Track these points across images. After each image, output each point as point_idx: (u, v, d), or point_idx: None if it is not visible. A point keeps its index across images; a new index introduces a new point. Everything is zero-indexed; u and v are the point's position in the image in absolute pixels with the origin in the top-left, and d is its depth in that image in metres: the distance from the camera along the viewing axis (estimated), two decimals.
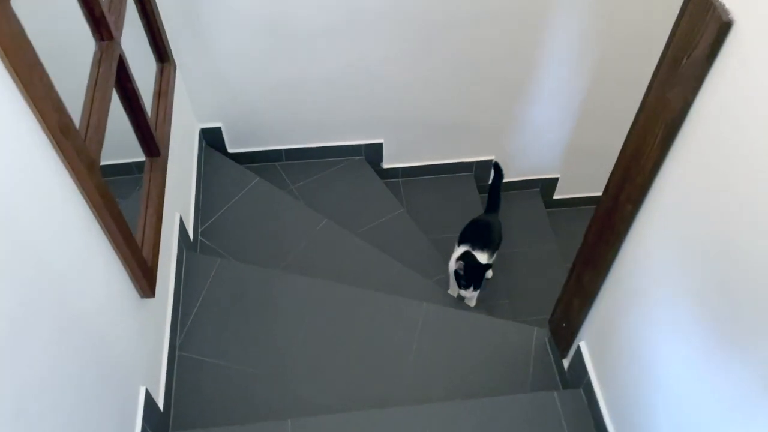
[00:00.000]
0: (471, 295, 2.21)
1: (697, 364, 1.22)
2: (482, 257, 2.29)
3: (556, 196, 3.18)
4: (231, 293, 2.07)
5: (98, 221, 1.40)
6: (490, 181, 2.71)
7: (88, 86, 1.44)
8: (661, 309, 1.33)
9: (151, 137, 1.81)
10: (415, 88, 2.54)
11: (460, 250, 2.31)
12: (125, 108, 1.71)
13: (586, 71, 2.55)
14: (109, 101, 1.47)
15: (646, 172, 1.25)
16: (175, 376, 1.89)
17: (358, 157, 2.81)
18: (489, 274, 2.35)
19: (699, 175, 1.13)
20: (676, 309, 1.27)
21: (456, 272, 2.22)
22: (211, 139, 2.62)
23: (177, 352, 1.93)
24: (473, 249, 2.29)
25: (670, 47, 1.14)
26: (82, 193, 1.32)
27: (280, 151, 2.74)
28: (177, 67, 2.22)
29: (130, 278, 1.57)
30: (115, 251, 1.48)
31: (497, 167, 2.75)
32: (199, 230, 2.36)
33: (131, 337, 1.57)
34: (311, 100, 2.53)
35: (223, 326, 2.00)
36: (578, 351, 1.74)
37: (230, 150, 2.69)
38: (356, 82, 2.47)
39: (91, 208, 1.36)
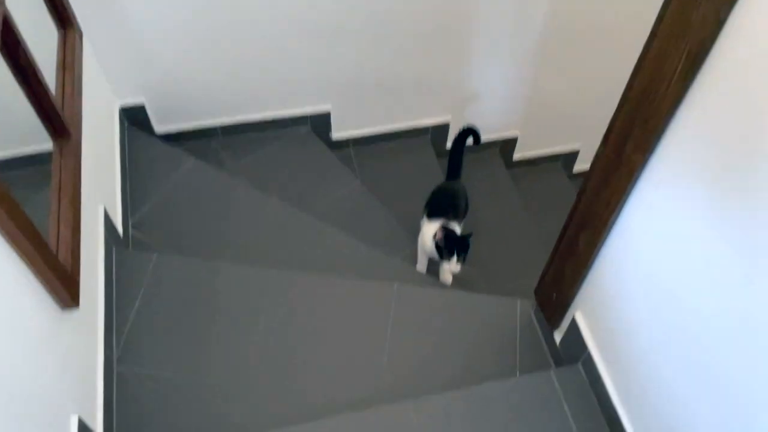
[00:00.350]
0: (456, 268, 1.99)
1: (718, 324, 1.05)
2: (458, 230, 2.09)
3: (516, 156, 3.01)
4: (173, 293, 1.80)
5: None
6: (453, 145, 2.48)
7: None
8: (674, 269, 1.15)
9: (57, 116, 1.51)
10: (360, 48, 2.29)
11: (433, 225, 2.09)
12: (20, 83, 1.40)
13: (538, 18, 2.36)
14: None
15: (662, 113, 1.05)
16: (115, 395, 1.61)
17: (304, 129, 2.54)
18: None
19: (732, 111, 0.94)
20: (693, 267, 1.09)
21: (436, 244, 2.00)
22: (135, 118, 2.29)
23: (115, 368, 1.65)
24: (449, 222, 2.08)
25: None
26: None
27: (215, 127, 2.44)
28: (84, 35, 1.90)
29: (45, 288, 1.28)
30: (21, 258, 1.19)
31: (473, 132, 2.48)
32: (130, 223, 2.06)
33: (53, 359, 1.28)
34: (246, 67, 2.24)
35: (167, 332, 1.73)
36: (573, 324, 1.56)
37: (158, 129, 2.38)
38: (296, 44, 2.20)
39: None
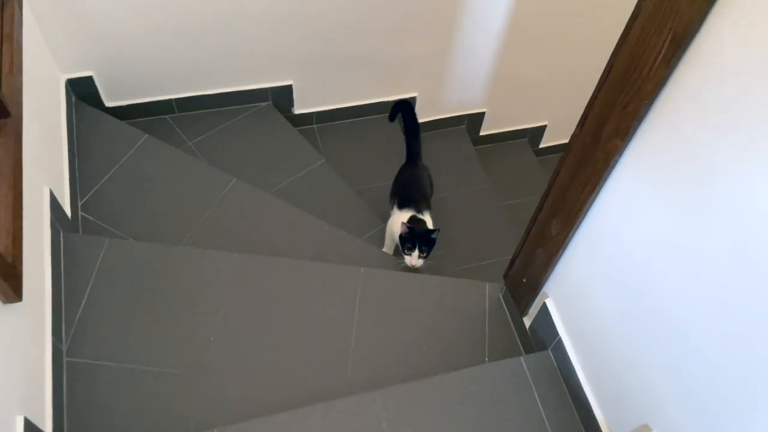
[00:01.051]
0: (416, 262, 1.94)
1: (695, 321, 1.02)
2: (428, 219, 2.03)
3: (482, 132, 2.96)
4: (126, 279, 1.70)
5: None
6: (403, 126, 2.38)
7: None
8: (651, 258, 1.11)
9: None
10: (324, 21, 2.19)
11: (404, 215, 2.02)
12: None
13: None
14: None
15: (643, 95, 1.00)
16: (65, 390, 1.52)
17: (264, 103, 2.43)
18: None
19: (724, 95, 0.90)
20: (670, 256, 1.06)
21: (401, 237, 1.94)
22: (82, 92, 2.15)
23: (65, 359, 1.56)
24: (420, 213, 2.03)
25: None
26: None
27: (170, 101, 2.32)
28: (24, 4, 1.75)
29: None
30: None
31: (406, 106, 2.36)
32: (79, 204, 1.94)
33: None
34: (203, 37, 2.12)
35: (120, 320, 1.64)
36: (544, 309, 1.53)
37: (108, 104, 2.24)
38: (255, 11, 2.08)
39: None
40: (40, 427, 1.34)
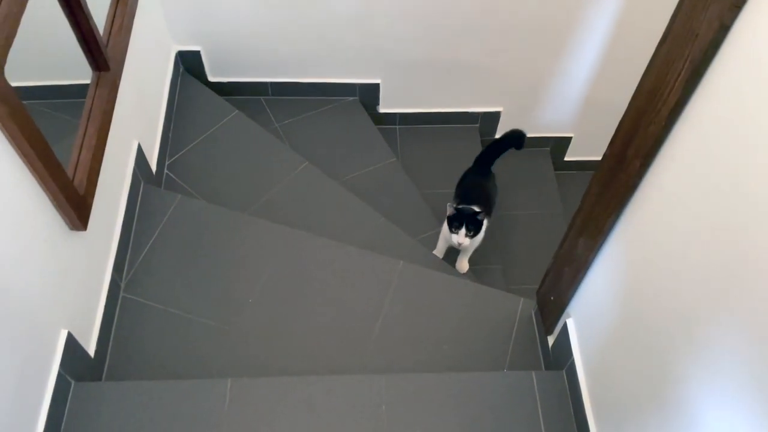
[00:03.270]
0: (462, 239, 1.99)
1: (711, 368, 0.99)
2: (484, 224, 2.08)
3: (567, 158, 2.91)
4: (188, 234, 1.87)
5: (5, 136, 1.18)
6: (496, 143, 2.40)
7: None
8: (666, 295, 1.09)
9: (98, 47, 1.58)
10: (421, 24, 2.26)
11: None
12: (62, 7, 1.47)
13: (614, 16, 2.25)
14: None
15: (662, 119, 1.00)
16: (115, 320, 1.70)
17: (351, 98, 2.55)
18: (482, 232, 2.10)
19: (734, 125, 0.88)
20: (684, 296, 1.03)
21: (448, 217, 2.01)
22: (191, 65, 2.37)
23: (121, 294, 1.74)
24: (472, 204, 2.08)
25: None
26: None
27: (266, 83, 2.49)
28: None
29: (54, 207, 1.36)
30: (32, 174, 1.27)
31: (520, 138, 2.40)
32: (166, 163, 2.14)
33: (50, 274, 1.36)
34: (303, 29, 2.27)
35: (175, 269, 1.80)
36: (564, 329, 1.52)
37: (211, 78, 2.45)
38: (357, 12, 2.19)
39: None
40: (84, 345, 1.52)
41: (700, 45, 0.89)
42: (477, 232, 2.02)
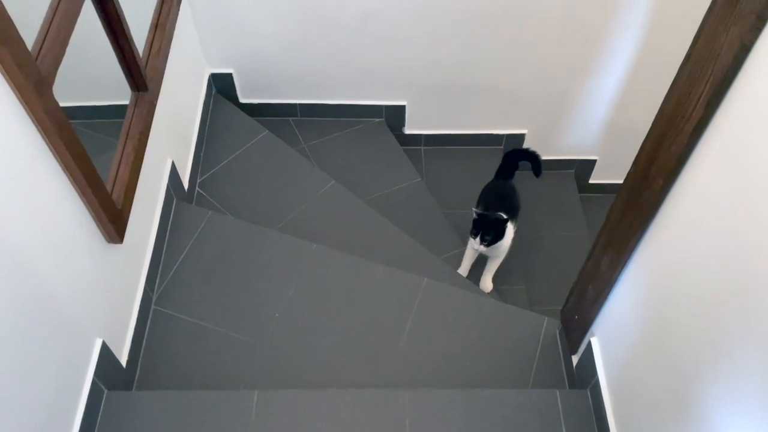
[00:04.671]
0: (477, 245, 2.03)
1: (736, 392, 0.99)
2: (511, 228, 2.12)
3: (592, 180, 2.92)
4: (218, 249, 1.92)
5: (51, 152, 1.24)
6: (513, 154, 2.45)
7: None
8: (690, 313, 1.10)
9: (138, 69, 1.65)
10: (446, 47, 2.31)
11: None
12: (107, 32, 1.55)
13: (638, 39, 2.28)
14: (77, 14, 1.31)
15: (684, 138, 1.02)
16: (147, 331, 1.74)
17: (377, 120, 2.61)
18: (507, 241, 2.14)
19: (756, 144, 0.90)
20: (707, 314, 1.04)
21: (473, 221, 2.06)
22: (223, 87, 2.45)
23: (152, 306, 1.79)
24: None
25: None
26: (29, 116, 1.17)
27: (294, 105, 2.56)
28: (187, 2, 2.05)
29: (93, 220, 1.42)
30: (74, 188, 1.33)
31: (535, 159, 2.45)
32: (197, 181, 2.21)
33: (88, 284, 1.42)
34: (332, 52, 2.33)
35: (205, 283, 1.85)
36: (589, 347, 1.52)
37: (242, 100, 2.52)
38: (382, 36, 2.25)
39: (42, 135, 1.21)
40: (117, 354, 1.56)
41: (721, 65, 0.91)
42: (495, 240, 2.05)
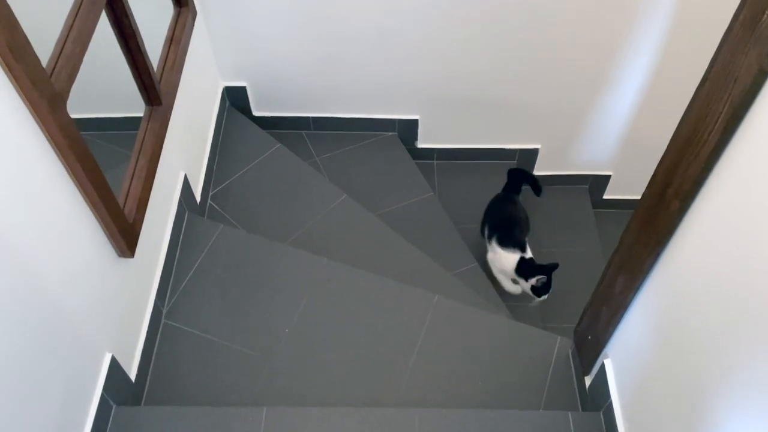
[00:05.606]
0: (532, 297, 2.10)
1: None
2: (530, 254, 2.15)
3: (606, 196, 2.89)
4: (229, 263, 1.91)
5: (64, 167, 1.25)
6: (523, 173, 2.46)
7: (70, 10, 1.29)
8: (705, 340, 1.08)
9: (152, 83, 1.66)
10: (459, 62, 2.30)
11: (510, 256, 2.14)
12: (122, 47, 1.56)
13: (655, 53, 2.26)
14: (92, 31, 1.32)
15: (701, 160, 1.00)
16: (156, 345, 1.74)
17: (390, 133, 2.60)
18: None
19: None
20: (723, 342, 1.02)
21: (535, 287, 2.11)
22: (236, 100, 2.46)
23: (162, 320, 1.79)
24: (524, 251, 2.17)
25: (746, 2, 0.89)
26: (43, 132, 1.17)
27: (308, 118, 2.56)
28: (198, 15, 2.06)
29: (105, 234, 1.42)
30: (86, 202, 1.33)
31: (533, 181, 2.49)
32: (210, 194, 2.21)
33: (98, 298, 1.42)
34: (346, 66, 2.33)
35: (215, 298, 1.84)
36: (602, 369, 1.50)
37: (255, 113, 2.53)
38: (396, 49, 2.25)
39: (54, 150, 1.22)
40: (126, 369, 1.56)
41: (739, 89, 0.90)
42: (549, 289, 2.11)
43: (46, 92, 1.14)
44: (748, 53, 0.87)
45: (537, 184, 2.37)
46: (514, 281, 2.27)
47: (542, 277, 2.04)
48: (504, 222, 2.26)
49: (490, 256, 2.30)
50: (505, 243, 2.18)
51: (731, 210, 0.99)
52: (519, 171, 2.48)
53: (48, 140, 1.19)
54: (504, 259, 2.21)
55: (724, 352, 1.02)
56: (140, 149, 1.62)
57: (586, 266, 2.58)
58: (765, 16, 0.83)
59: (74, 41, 1.26)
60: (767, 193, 0.90)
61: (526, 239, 2.24)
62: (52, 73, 1.19)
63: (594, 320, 1.52)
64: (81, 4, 1.30)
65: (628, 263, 1.31)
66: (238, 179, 2.26)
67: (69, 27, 1.27)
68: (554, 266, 2.07)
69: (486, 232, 2.34)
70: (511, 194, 2.38)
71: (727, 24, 0.94)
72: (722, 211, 1.01)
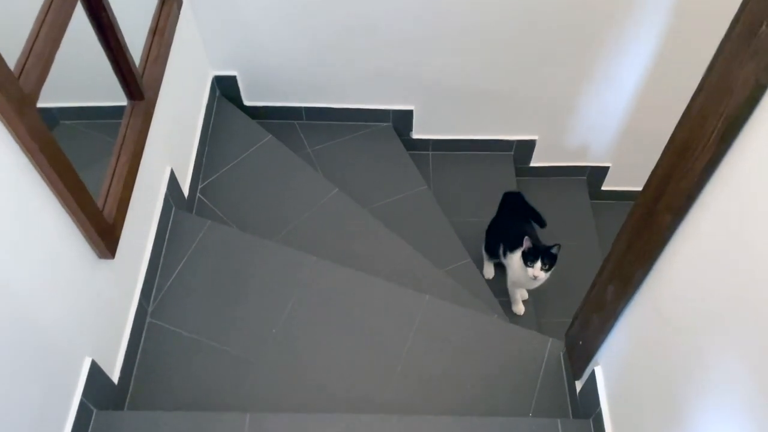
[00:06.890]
0: (540, 273, 2.02)
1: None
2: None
3: (604, 187, 2.85)
4: (216, 260, 1.88)
5: (36, 170, 1.20)
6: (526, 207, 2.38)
7: (42, 4, 1.23)
8: (695, 354, 1.04)
9: (132, 78, 1.61)
10: (455, 51, 2.24)
11: (516, 255, 2.10)
12: (101, 42, 1.51)
13: (652, 46, 2.20)
14: (65, 27, 1.26)
15: (694, 174, 0.96)
16: (141, 345, 1.71)
17: (385, 124, 2.54)
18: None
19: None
20: (715, 358, 0.98)
21: (524, 252, 2.04)
22: (226, 89, 2.40)
23: (147, 319, 1.75)
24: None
25: (743, 13, 0.83)
26: (11, 135, 1.13)
27: (300, 108, 2.50)
28: (185, 3, 2.00)
29: (83, 236, 1.38)
30: (61, 205, 1.29)
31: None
32: (198, 187, 2.17)
33: (75, 302, 1.38)
34: (340, 55, 2.27)
35: (202, 296, 1.81)
36: (592, 376, 1.46)
37: (246, 102, 2.47)
38: (391, 39, 2.19)
39: (25, 154, 1.17)
40: (108, 372, 1.53)
41: (735, 102, 0.85)
42: (552, 266, 2.05)
43: (13, 95, 1.09)
44: (745, 66, 0.82)
45: (540, 218, 2.30)
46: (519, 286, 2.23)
47: (528, 239, 2.02)
48: (506, 234, 2.22)
49: (508, 272, 2.24)
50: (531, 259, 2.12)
51: (725, 225, 0.94)
52: (518, 197, 2.35)
53: (18, 144, 1.15)
54: (511, 261, 2.15)
55: (712, 367, 0.99)
56: (121, 146, 1.58)
57: (582, 258, 2.55)
58: (763, 27, 0.78)
59: (45, 39, 1.20)
60: (762, 209, 0.85)
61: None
62: (20, 75, 1.14)
63: (585, 327, 1.48)
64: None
65: (620, 273, 1.26)
66: (228, 172, 2.22)
67: (40, 22, 1.21)
68: (548, 246, 2.05)
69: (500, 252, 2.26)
70: (513, 194, 2.30)
71: (728, 14, 0.88)
72: (716, 225, 0.97)
